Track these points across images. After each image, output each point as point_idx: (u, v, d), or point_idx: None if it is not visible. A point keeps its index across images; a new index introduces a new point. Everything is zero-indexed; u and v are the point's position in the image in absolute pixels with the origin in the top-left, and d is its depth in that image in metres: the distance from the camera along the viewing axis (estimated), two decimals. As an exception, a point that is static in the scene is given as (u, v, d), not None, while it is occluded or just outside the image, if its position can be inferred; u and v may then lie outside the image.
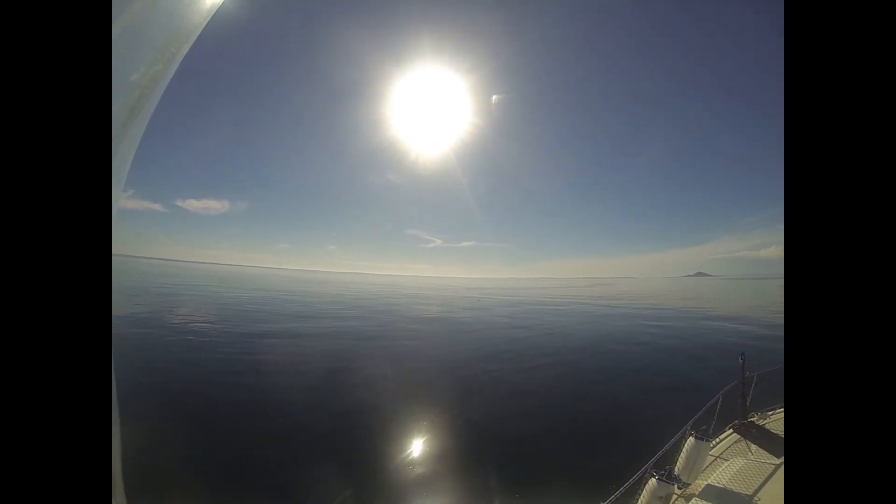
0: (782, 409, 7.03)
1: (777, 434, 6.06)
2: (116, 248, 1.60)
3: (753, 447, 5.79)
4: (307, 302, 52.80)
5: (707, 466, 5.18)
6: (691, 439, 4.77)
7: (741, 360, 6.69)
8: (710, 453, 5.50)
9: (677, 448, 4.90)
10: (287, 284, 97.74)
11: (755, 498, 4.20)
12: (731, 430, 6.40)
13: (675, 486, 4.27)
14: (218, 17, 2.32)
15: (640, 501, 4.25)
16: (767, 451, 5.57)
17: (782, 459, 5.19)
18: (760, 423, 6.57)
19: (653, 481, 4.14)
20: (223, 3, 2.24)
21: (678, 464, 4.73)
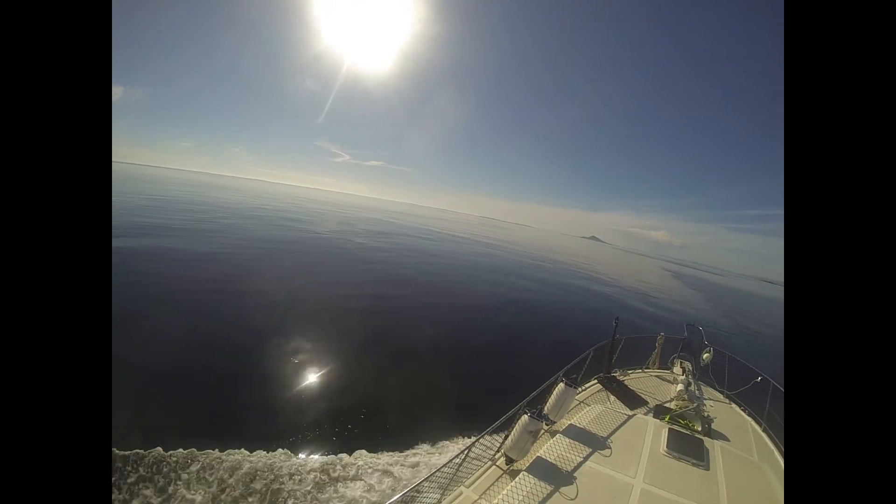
0: (640, 370, 8.49)
1: (633, 390, 7.26)
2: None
3: (612, 398, 6.91)
4: (195, 209, 47.18)
5: (572, 409, 6.04)
6: (561, 385, 5.48)
7: (615, 324, 7.79)
8: (576, 398, 6.48)
9: (549, 391, 5.62)
10: (181, 189, 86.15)
11: (609, 440, 4.96)
12: (595, 381, 7.50)
13: (544, 422, 4.90)
14: None
15: (512, 433, 4.81)
16: (623, 403, 6.72)
17: (635, 411, 6.22)
18: (621, 378, 7.76)
19: (525, 417, 4.68)
20: None
21: (548, 404, 5.46)
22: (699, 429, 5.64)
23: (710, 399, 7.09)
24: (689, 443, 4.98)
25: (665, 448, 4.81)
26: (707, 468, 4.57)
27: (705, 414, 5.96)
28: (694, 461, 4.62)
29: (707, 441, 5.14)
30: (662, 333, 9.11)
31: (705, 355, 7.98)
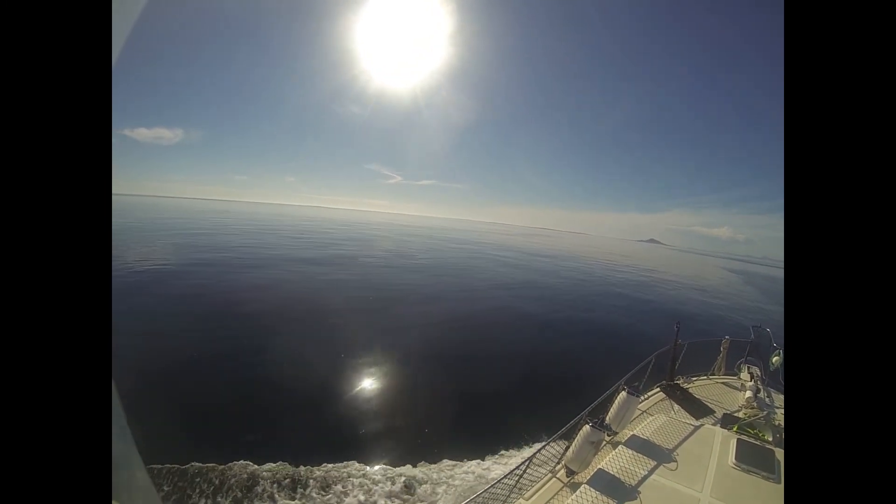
0: (705, 376, 7.96)
1: (698, 398, 6.81)
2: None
3: (676, 407, 6.50)
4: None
5: (634, 419, 5.83)
6: (623, 393, 5.29)
7: (676, 328, 7.34)
8: (639, 408, 6.16)
9: (610, 400, 5.44)
10: (225, 219, 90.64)
11: (674, 453, 4.75)
12: (658, 389, 7.15)
13: (606, 433, 4.74)
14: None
15: (574, 444, 4.71)
16: (687, 412, 6.29)
17: (701, 421, 5.87)
18: (685, 386, 7.32)
19: (586, 427, 4.57)
20: None
21: (610, 414, 5.27)
22: (770, 439, 5.26)
23: (782, 406, 6.57)
24: (760, 454, 4.68)
25: (734, 460, 4.56)
26: (779, 481, 4.27)
27: (776, 423, 5.54)
28: (765, 474, 4.33)
29: (779, 452, 4.79)
30: (727, 337, 8.59)
31: (775, 359, 7.43)
